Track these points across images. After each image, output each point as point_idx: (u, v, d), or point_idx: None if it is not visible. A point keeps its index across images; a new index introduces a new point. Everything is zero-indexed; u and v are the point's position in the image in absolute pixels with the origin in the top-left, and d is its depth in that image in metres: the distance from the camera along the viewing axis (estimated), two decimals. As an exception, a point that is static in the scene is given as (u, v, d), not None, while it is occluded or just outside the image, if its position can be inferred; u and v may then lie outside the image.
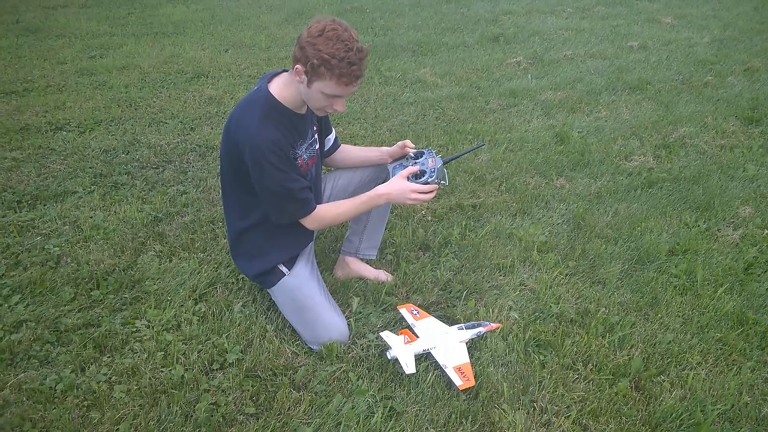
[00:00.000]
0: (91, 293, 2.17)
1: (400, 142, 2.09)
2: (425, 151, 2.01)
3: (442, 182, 1.93)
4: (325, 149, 2.14)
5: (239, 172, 1.81)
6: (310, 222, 1.90)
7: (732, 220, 2.76)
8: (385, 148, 2.13)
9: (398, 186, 1.87)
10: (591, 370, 1.89)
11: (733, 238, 2.61)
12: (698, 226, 2.70)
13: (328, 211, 1.92)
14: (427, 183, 1.89)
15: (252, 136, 1.71)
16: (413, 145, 2.08)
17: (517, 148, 3.49)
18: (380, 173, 2.15)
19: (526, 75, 4.87)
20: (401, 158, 2.10)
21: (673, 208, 2.84)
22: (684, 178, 3.13)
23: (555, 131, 3.71)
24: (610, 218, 2.74)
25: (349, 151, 2.19)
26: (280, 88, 1.78)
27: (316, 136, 2.01)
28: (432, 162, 1.95)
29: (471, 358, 1.88)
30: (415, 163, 1.98)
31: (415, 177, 1.91)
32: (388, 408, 1.72)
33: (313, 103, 1.74)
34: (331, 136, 2.15)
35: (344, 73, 1.61)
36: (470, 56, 5.39)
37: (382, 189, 1.89)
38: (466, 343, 1.93)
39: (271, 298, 2.10)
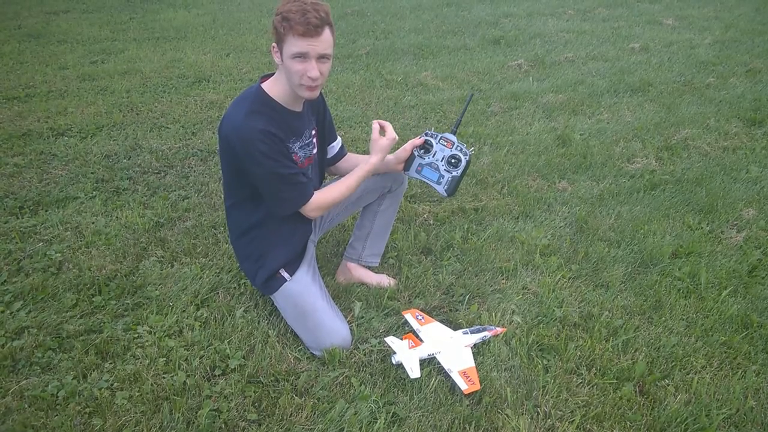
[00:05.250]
0: (93, 299, 2.17)
1: (406, 144, 2.02)
2: (431, 141, 1.99)
3: (471, 150, 2.00)
4: (330, 156, 2.13)
5: (234, 169, 1.82)
6: (311, 209, 1.88)
7: (735, 223, 2.75)
8: (390, 156, 2.04)
9: (375, 154, 1.92)
10: (595, 374, 1.88)
11: (736, 241, 2.60)
12: (701, 228, 2.69)
13: (326, 194, 1.91)
14: (459, 160, 1.95)
15: (239, 129, 1.72)
16: (419, 141, 2.01)
17: (518, 150, 3.48)
18: (386, 182, 2.14)
19: (528, 78, 4.86)
20: (411, 159, 2.04)
21: (676, 211, 2.83)
22: (687, 180, 3.12)
23: (557, 134, 3.70)
24: (612, 221, 2.73)
25: (356, 160, 2.18)
26: (271, 83, 1.80)
27: (314, 140, 2.00)
28: (449, 143, 1.97)
29: (474, 362, 1.87)
30: (427, 156, 2.00)
31: (424, 151, 1.99)
32: (390, 414, 1.72)
33: (292, 78, 1.71)
34: (336, 144, 2.14)
35: (300, 21, 1.60)
36: (471, 59, 5.39)
37: (368, 162, 1.93)
38: (472, 348, 1.93)
39: (273, 303, 2.10)
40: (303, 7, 1.61)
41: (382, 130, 1.95)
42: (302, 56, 1.65)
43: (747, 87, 4.53)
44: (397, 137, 1.94)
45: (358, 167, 1.94)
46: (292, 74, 1.69)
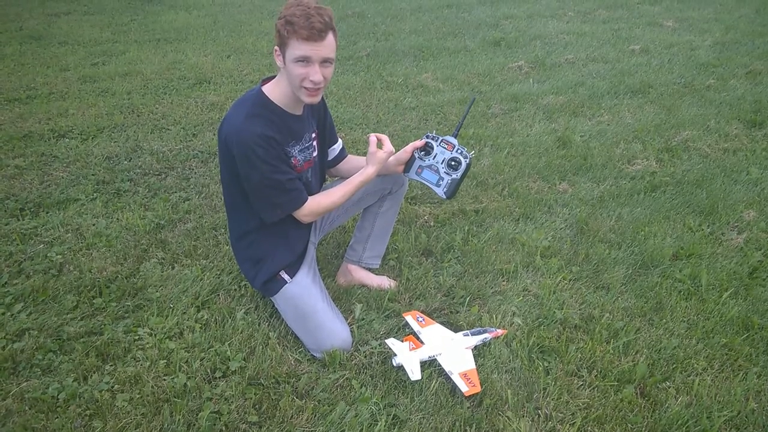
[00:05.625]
0: (94, 301, 2.17)
1: (407, 146, 2.03)
2: (432, 143, 2.00)
3: (472, 153, 2.01)
4: (330, 159, 2.13)
5: (233, 171, 1.82)
6: (304, 214, 1.89)
7: (736, 224, 2.75)
8: (390, 158, 2.02)
9: (372, 165, 1.91)
10: (596, 376, 1.87)
11: (737, 242, 2.59)
12: (702, 230, 2.69)
13: (320, 201, 1.92)
14: (459, 163, 1.95)
15: (238, 132, 1.72)
16: (420, 143, 2.01)
17: (519, 152, 3.48)
18: (386, 184, 2.14)
19: (528, 79, 4.86)
20: (412, 161, 2.04)
21: (677, 212, 2.83)
22: (687, 181, 3.12)
23: (557, 135, 3.70)
24: (613, 223, 2.73)
25: (356, 161, 2.18)
26: (272, 86, 1.81)
27: (315, 143, 2.00)
28: (449, 146, 1.97)
29: (475, 364, 1.87)
30: (427, 158, 2.01)
31: (425, 153, 2.00)
32: (391, 416, 1.72)
33: (293, 81, 1.71)
34: (337, 146, 2.14)
35: (303, 25, 1.61)
36: (472, 61, 5.39)
37: (364, 172, 1.92)
38: (472, 350, 1.92)
39: (273, 305, 2.10)
40: (307, 12, 1.61)
41: (380, 143, 1.95)
42: (305, 60, 1.66)
43: (747, 89, 4.53)
44: (393, 150, 1.94)
45: (355, 176, 1.94)
46: (294, 78, 1.70)
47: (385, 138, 1.95)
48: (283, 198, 1.84)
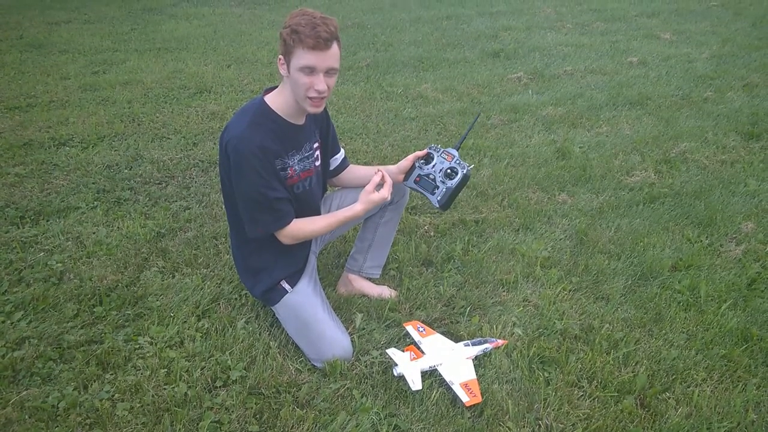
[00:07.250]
0: (94, 309, 2.17)
1: (410, 155, 2.05)
2: (434, 153, 2.03)
3: (470, 166, 2.04)
4: (332, 168, 2.14)
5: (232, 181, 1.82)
6: (284, 236, 1.88)
7: (734, 236, 2.76)
8: (392, 167, 2.07)
9: (362, 204, 1.89)
10: (596, 387, 1.88)
11: (735, 254, 2.61)
12: (701, 241, 2.70)
13: (303, 227, 1.90)
14: (456, 172, 1.98)
15: (238, 140, 1.73)
16: (422, 153, 2.04)
17: (518, 163, 3.50)
18: None
19: (527, 90, 4.90)
20: (412, 170, 2.06)
21: (676, 224, 2.84)
22: (685, 193, 3.14)
23: (556, 147, 3.72)
24: (612, 234, 2.75)
25: (357, 171, 2.19)
26: (274, 96, 1.82)
27: (317, 153, 2.01)
28: (449, 157, 2.00)
29: (476, 374, 1.87)
30: (426, 167, 2.03)
31: (425, 162, 2.03)
32: (392, 426, 1.71)
33: (297, 90, 1.72)
34: (339, 156, 2.15)
35: (309, 35, 1.62)
36: (471, 72, 5.43)
37: (352, 209, 1.91)
38: (473, 360, 1.93)
39: (274, 315, 2.10)
40: (313, 21, 1.63)
41: (380, 185, 1.92)
42: (310, 69, 1.67)
43: (744, 101, 4.57)
44: (388, 198, 1.90)
45: (342, 210, 1.93)
46: (298, 87, 1.71)
47: (387, 184, 1.91)
48: (267, 216, 1.83)
